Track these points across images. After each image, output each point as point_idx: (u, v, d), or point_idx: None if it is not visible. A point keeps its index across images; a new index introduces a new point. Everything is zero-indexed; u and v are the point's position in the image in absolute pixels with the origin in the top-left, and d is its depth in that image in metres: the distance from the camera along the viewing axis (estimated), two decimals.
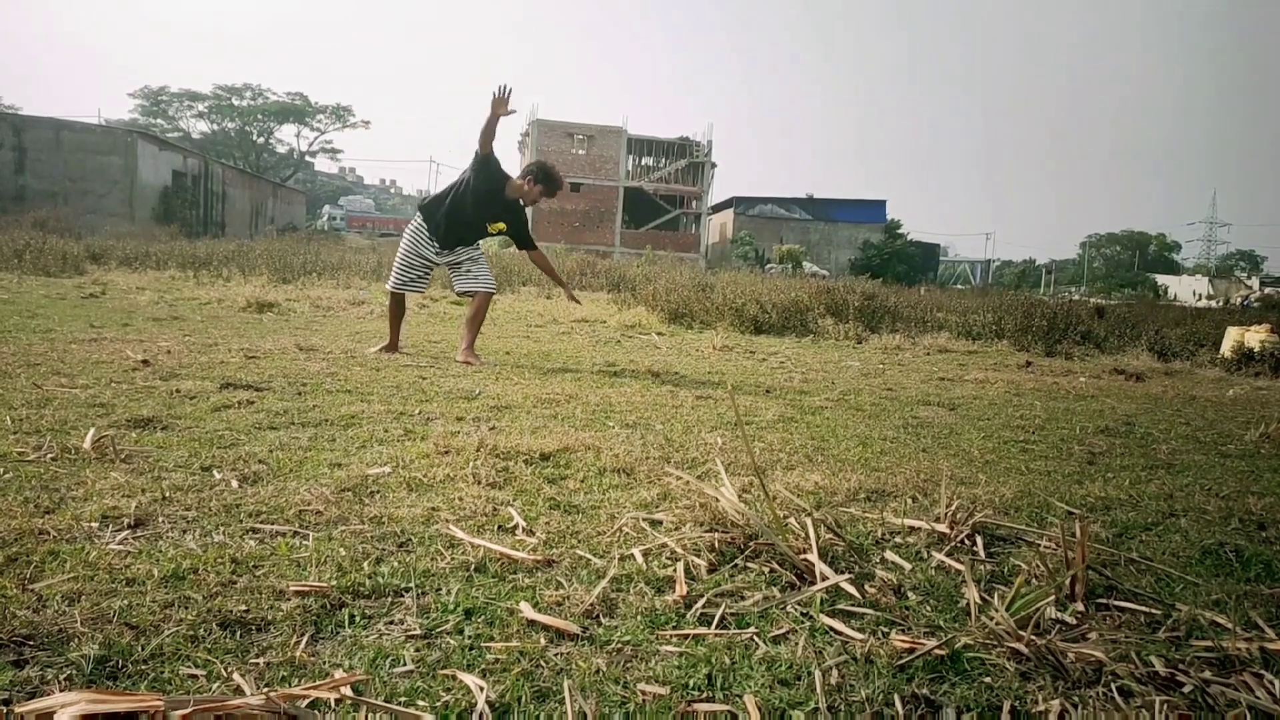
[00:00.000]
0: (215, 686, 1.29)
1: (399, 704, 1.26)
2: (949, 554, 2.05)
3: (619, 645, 1.51)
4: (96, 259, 13.28)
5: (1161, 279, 56.62)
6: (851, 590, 1.77)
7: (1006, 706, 1.35)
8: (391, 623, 1.55)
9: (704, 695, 1.36)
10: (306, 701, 1.19)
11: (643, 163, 48.50)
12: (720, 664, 1.45)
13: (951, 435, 3.69)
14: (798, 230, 51.65)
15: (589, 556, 1.92)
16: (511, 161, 47.89)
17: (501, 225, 5.48)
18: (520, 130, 48.34)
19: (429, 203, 5.58)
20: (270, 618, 1.52)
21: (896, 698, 1.36)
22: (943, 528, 2.18)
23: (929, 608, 1.75)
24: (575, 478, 2.57)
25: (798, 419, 3.87)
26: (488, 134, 5.19)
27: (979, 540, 2.13)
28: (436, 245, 5.49)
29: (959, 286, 42.08)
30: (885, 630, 1.62)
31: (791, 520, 2.08)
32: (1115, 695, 1.40)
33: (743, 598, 1.74)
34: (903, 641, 1.54)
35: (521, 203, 5.47)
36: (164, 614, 1.50)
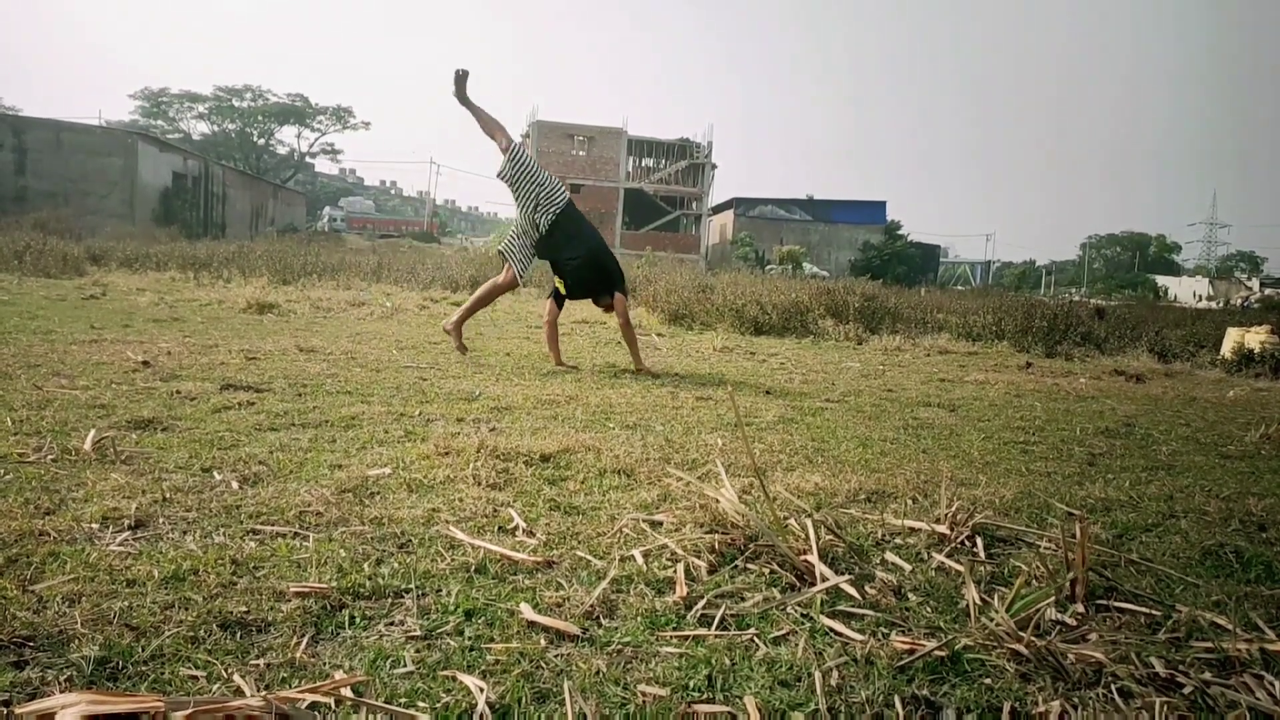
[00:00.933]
0: (216, 687, 1.29)
1: (399, 705, 1.26)
2: (949, 555, 2.05)
3: (619, 646, 1.51)
4: (97, 260, 13.28)
5: (1161, 280, 56.60)
6: (852, 591, 1.77)
7: (1007, 708, 1.35)
8: (392, 624, 1.55)
9: (704, 696, 1.36)
10: (306, 703, 1.19)
11: (643, 164, 48.54)
12: (720, 665, 1.45)
13: (952, 436, 3.69)
14: (798, 231, 51.67)
15: (589, 558, 1.92)
16: None
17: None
18: (520, 132, 48.35)
19: (556, 240, 5.40)
20: (270, 619, 1.52)
21: (897, 699, 1.36)
22: (943, 529, 2.18)
23: (929, 609, 1.75)
24: (575, 479, 2.57)
25: (798, 420, 3.87)
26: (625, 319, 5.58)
27: (979, 541, 2.13)
28: (532, 251, 5.55)
29: (959, 287, 42.06)
30: (885, 631, 1.62)
31: (792, 521, 2.08)
32: (1115, 696, 1.40)
33: (743, 599, 1.74)
34: (903, 643, 1.54)
35: None
36: (164, 615, 1.50)
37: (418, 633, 1.51)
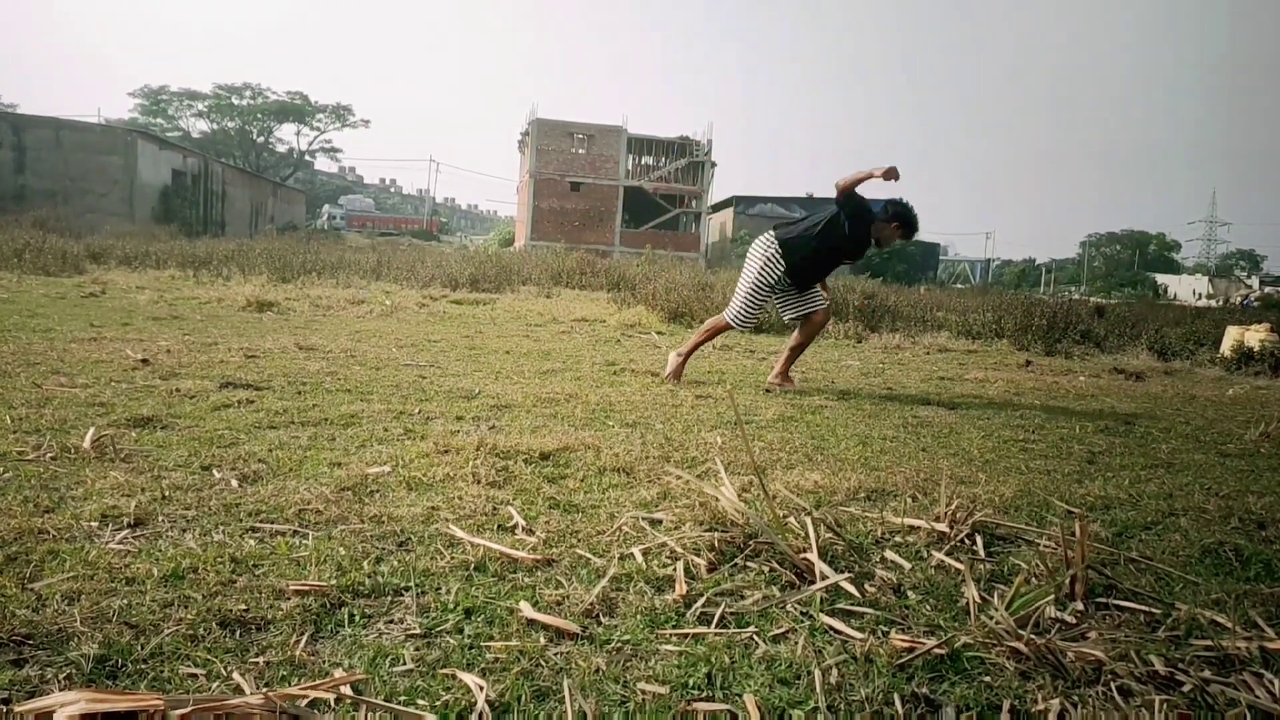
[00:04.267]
0: (215, 686, 1.29)
1: (399, 703, 1.26)
2: (949, 553, 2.05)
3: (619, 644, 1.51)
4: (96, 258, 13.27)
5: (1161, 278, 56.61)
6: (851, 589, 1.77)
7: (1006, 706, 1.35)
8: (391, 622, 1.55)
9: (704, 694, 1.36)
10: (306, 701, 1.19)
11: (642, 162, 48.48)
12: (720, 663, 1.45)
13: (951, 434, 3.69)
14: None
15: (589, 556, 1.92)
16: (511, 160, 47.80)
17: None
18: (520, 129, 48.35)
19: (793, 240, 4.87)
20: (270, 617, 1.52)
21: (896, 697, 1.36)
22: (942, 527, 2.18)
23: (929, 607, 1.75)
24: (575, 477, 2.57)
25: (797, 418, 3.87)
26: (852, 183, 4.78)
27: (979, 539, 2.13)
28: (789, 282, 4.93)
29: (959, 286, 42.07)
30: (885, 629, 1.62)
31: (791, 519, 2.08)
32: (1115, 694, 1.40)
33: (742, 597, 1.74)
34: (902, 640, 1.54)
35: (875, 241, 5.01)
36: (163, 613, 1.50)
37: (417, 631, 1.51)
